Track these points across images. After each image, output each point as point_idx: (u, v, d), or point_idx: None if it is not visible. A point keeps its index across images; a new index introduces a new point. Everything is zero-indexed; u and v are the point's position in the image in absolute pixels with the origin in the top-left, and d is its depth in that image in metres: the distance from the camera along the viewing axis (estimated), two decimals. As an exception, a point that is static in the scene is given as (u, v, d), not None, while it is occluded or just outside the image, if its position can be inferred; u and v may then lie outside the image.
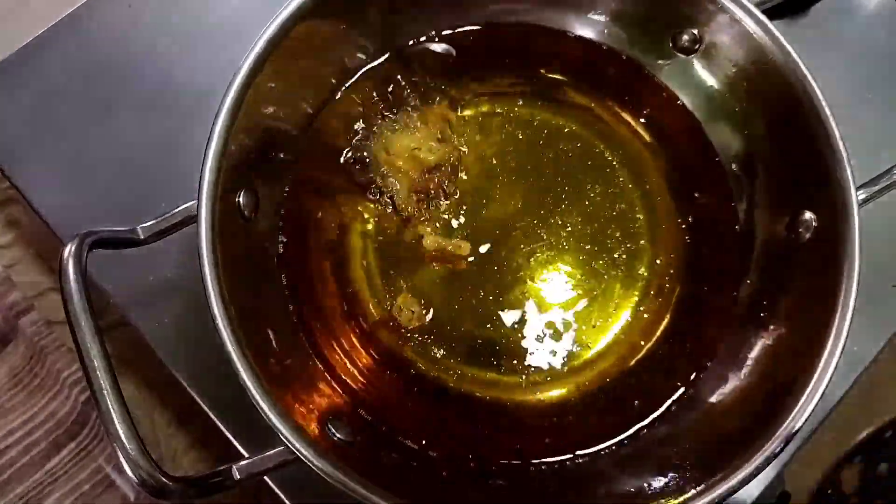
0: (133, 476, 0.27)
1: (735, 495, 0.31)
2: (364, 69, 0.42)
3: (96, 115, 0.45)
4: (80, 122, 0.45)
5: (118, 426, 0.28)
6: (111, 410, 0.28)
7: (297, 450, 0.29)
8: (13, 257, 0.48)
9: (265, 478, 0.38)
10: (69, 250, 0.29)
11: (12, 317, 0.45)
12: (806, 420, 0.31)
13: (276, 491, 0.38)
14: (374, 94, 0.42)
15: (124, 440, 0.28)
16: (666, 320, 0.40)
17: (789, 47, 0.36)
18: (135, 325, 0.41)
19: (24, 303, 0.46)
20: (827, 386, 0.31)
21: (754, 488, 0.40)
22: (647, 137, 0.43)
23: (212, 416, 0.40)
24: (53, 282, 0.48)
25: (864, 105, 0.47)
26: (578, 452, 0.37)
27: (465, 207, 0.41)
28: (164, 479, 0.27)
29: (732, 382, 0.37)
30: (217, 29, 0.47)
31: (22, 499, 0.42)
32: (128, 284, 0.42)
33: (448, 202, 0.41)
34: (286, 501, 0.38)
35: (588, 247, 0.41)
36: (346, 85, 0.42)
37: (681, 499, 0.31)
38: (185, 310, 0.41)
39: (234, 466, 0.30)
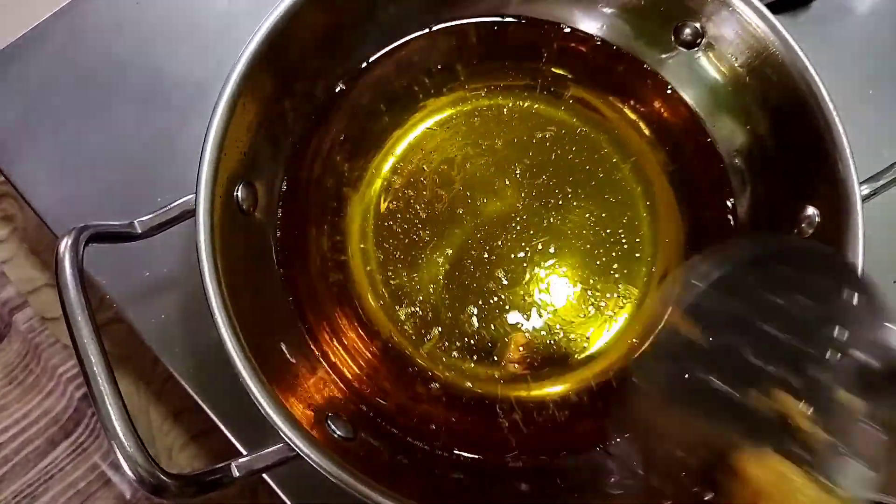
0: (131, 473, 0.27)
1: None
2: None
3: (92, 108, 0.45)
4: (76, 115, 0.45)
5: (115, 423, 0.27)
6: (108, 407, 0.27)
7: (297, 446, 0.29)
8: (7, 253, 0.47)
9: (264, 476, 0.38)
10: (65, 244, 0.29)
11: (6, 313, 0.45)
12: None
13: (275, 489, 0.38)
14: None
15: (122, 437, 0.27)
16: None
17: (793, 42, 0.36)
18: (130, 322, 0.41)
19: (19, 299, 0.46)
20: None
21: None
22: (647, 132, 0.43)
23: (209, 412, 0.39)
24: (48, 278, 0.47)
25: (866, 102, 0.47)
26: (583, 449, 0.37)
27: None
28: (161, 477, 0.27)
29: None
30: (215, 21, 0.47)
31: (17, 496, 0.41)
32: (124, 280, 0.41)
33: None
34: (284, 500, 0.38)
35: (589, 242, 0.41)
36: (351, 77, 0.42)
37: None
38: (182, 305, 0.41)
39: (233, 463, 0.29)
